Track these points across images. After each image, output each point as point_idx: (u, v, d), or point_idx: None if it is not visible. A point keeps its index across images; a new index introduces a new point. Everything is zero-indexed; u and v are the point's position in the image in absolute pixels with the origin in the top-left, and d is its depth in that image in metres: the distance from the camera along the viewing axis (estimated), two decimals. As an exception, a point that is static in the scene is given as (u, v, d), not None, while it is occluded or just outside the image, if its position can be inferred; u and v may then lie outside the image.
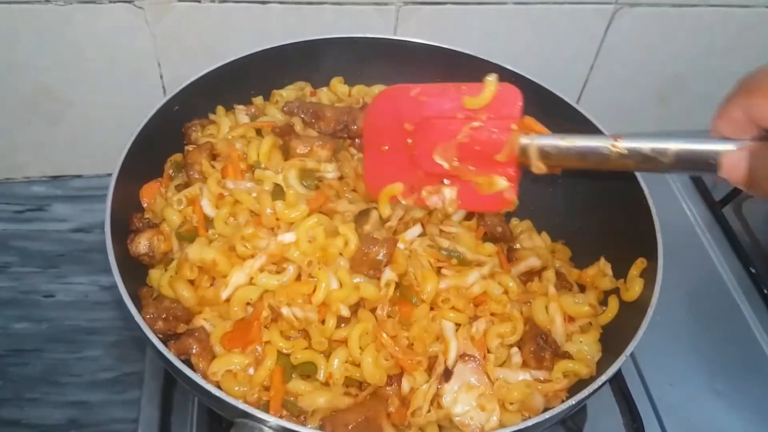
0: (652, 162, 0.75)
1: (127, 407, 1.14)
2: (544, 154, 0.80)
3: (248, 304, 0.91)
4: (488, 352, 0.93)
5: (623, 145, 0.76)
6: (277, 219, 0.95)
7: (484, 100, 0.82)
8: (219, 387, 0.83)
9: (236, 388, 0.86)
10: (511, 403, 0.88)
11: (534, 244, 1.11)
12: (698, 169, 0.77)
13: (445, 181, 0.87)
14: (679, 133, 0.76)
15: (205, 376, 0.85)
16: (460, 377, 0.89)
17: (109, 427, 1.15)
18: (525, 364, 0.94)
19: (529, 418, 0.85)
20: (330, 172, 1.03)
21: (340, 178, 1.05)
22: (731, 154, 0.70)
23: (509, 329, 0.94)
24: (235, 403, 0.76)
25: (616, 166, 0.78)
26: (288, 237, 0.92)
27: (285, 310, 0.88)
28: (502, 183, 0.83)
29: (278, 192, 0.99)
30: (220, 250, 0.92)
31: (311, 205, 0.96)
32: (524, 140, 0.81)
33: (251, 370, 0.87)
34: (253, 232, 0.93)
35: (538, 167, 0.82)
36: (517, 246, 1.11)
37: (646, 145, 0.75)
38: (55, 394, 1.17)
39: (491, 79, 0.82)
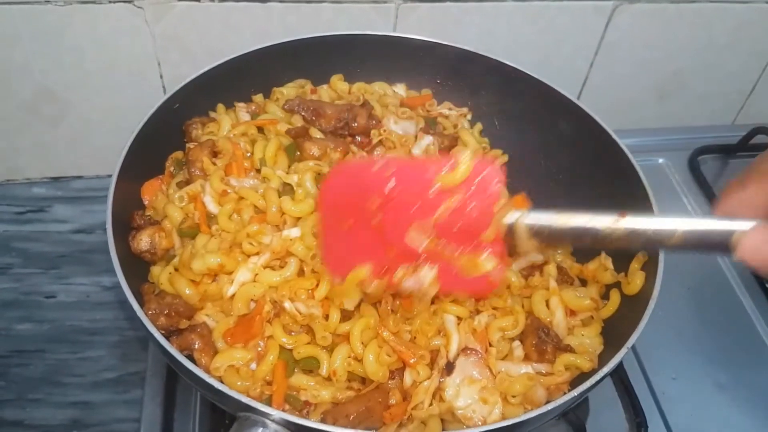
0: (657, 243, 0.70)
1: (130, 407, 1.14)
2: (536, 232, 0.73)
3: (251, 299, 0.91)
4: (490, 345, 0.93)
5: (624, 226, 0.70)
6: (283, 215, 0.95)
7: (460, 179, 0.74)
8: (221, 382, 0.83)
9: (239, 383, 0.86)
10: (513, 396, 0.88)
11: (535, 239, 1.11)
12: (710, 250, 0.70)
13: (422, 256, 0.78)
14: (686, 214, 0.70)
15: (207, 372, 0.85)
16: (462, 370, 0.89)
17: (112, 427, 1.14)
18: (527, 358, 0.94)
19: (531, 410, 0.84)
20: None
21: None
22: (751, 235, 0.63)
23: (511, 323, 0.95)
24: (238, 396, 0.76)
25: (618, 246, 0.72)
26: (294, 232, 0.92)
27: (288, 305, 0.88)
28: (487, 264, 0.75)
29: (284, 189, 0.99)
30: (223, 250, 0.92)
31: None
32: (511, 218, 0.73)
33: (254, 365, 0.88)
34: (259, 229, 0.93)
35: (528, 246, 0.74)
36: (518, 241, 1.10)
37: (649, 227, 0.70)
38: (57, 395, 1.16)
39: (466, 157, 0.74)
